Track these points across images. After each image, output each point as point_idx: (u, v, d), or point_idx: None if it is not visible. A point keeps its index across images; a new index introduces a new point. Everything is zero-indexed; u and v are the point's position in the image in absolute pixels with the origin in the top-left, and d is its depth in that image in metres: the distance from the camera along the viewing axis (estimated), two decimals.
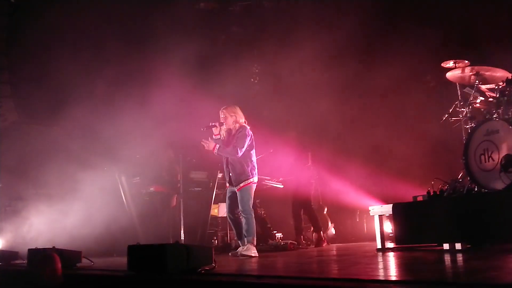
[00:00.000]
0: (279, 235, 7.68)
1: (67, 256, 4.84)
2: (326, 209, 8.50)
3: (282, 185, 8.01)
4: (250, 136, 6.01)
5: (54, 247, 5.11)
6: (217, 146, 5.89)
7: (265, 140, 8.07)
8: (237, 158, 5.90)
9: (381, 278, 2.93)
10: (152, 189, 8.02)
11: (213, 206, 8.12)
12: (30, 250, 5.51)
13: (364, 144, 8.59)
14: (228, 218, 6.26)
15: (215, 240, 8.02)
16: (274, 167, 8.05)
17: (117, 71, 8.67)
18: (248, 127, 6.08)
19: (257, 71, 11.22)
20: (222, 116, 6.07)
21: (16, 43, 9.10)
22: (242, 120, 6.09)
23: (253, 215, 5.96)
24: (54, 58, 8.55)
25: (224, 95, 8.91)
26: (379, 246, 5.56)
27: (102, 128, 8.12)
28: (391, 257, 4.73)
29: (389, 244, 5.82)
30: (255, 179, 5.99)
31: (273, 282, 2.97)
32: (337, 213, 8.70)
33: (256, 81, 11.24)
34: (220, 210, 8.19)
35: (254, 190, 6.00)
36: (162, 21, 9.09)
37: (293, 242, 7.07)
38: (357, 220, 8.84)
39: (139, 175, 8.16)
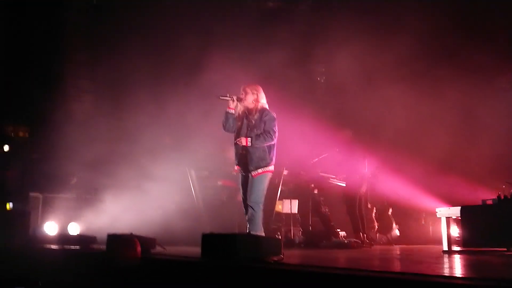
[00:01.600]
0: (342, 233, 7.75)
1: (143, 242, 5.13)
2: (390, 210, 8.47)
3: (344, 183, 8.06)
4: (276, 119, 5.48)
5: (131, 233, 5.44)
6: (249, 139, 5.32)
7: (328, 138, 8.17)
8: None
9: (449, 274, 2.99)
10: (220, 183, 8.31)
11: (277, 202, 8.29)
12: (109, 235, 5.87)
13: (432, 145, 8.47)
14: (244, 205, 5.52)
15: (279, 235, 8.19)
16: (337, 165, 8.13)
17: (186, 66, 9.02)
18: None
19: (323, 70, 11.29)
20: (242, 92, 5.54)
21: (96, 41, 9.71)
22: (263, 100, 5.56)
23: (262, 208, 5.34)
24: (128, 55, 9.04)
25: (290, 93, 9.07)
26: (445, 248, 5.55)
27: (174, 122, 8.49)
28: (457, 258, 4.73)
29: (456, 247, 5.78)
30: (272, 167, 5.48)
31: (340, 273, 3.10)
32: (402, 215, 8.65)
33: (322, 80, 11.32)
34: (284, 206, 8.35)
35: (268, 180, 5.44)
36: (230, 18, 9.35)
37: (357, 240, 7.12)
38: (423, 222, 8.74)
39: (207, 169, 8.48)
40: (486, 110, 8.12)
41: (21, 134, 9.86)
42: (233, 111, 5.51)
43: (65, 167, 9.16)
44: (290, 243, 7.64)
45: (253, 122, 5.40)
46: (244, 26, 9.29)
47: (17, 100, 9.98)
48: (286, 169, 8.26)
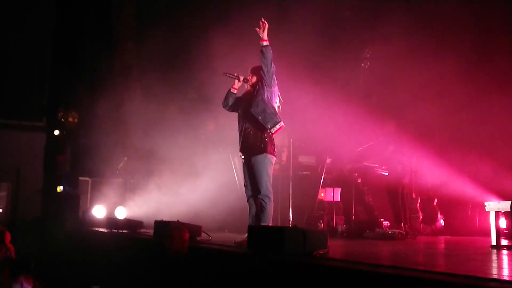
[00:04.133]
0: (386, 222, 7.67)
1: (190, 230, 5.25)
2: (435, 200, 8.33)
3: (387, 172, 7.96)
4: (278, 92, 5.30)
5: (178, 220, 5.58)
6: (268, 43, 5.06)
7: (373, 127, 8.06)
8: (263, 99, 5.15)
9: (503, 278, 2.95)
10: None
11: (320, 190, 8.27)
12: (156, 221, 6.04)
13: (478, 134, 8.23)
14: (247, 195, 5.35)
15: (321, 223, 8.18)
16: (381, 154, 8.04)
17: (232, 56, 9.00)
18: None
19: (368, 56, 11.09)
20: (249, 73, 5.39)
21: (143, 28, 9.89)
22: None
23: (272, 198, 5.11)
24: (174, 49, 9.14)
25: (333, 79, 8.98)
26: (493, 243, 5.43)
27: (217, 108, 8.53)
28: (506, 255, 4.64)
29: (504, 240, 5.66)
30: (281, 124, 5.19)
31: (389, 272, 3.10)
32: (447, 205, 8.48)
33: (366, 66, 11.13)
34: (327, 194, 8.33)
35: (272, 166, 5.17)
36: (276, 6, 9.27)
37: (401, 231, 7.04)
38: (469, 213, 8.55)
39: None
40: None
41: (70, 119, 10.20)
42: (235, 91, 5.39)
43: (113, 152, 9.44)
44: (332, 232, 7.61)
45: (251, 97, 5.23)
46: (290, 13, 9.20)
47: (67, 86, 10.31)
48: (329, 158, 8.22)
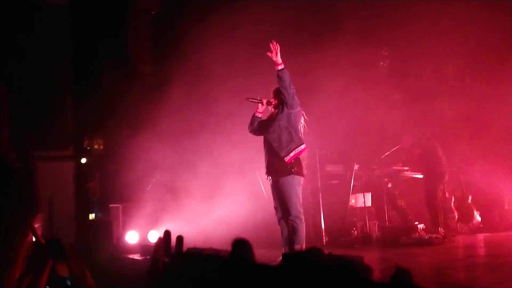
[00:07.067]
0: (421, 226, 7.51)
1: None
2: (470, 198, 8.13)
3: (421, 174, 7.80)
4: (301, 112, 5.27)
5: (211, 247, 5.54)
6: (283, 66, 5.01)
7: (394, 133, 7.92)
8: (280, 125, 5.13)
9: None
10: None
11: (350, 196, 8.15)
12: (189, 249, 6.00)
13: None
14: (277, 217, 5.34)
15: (355, 230, 8.03)
16: (409, 158, 7.91)
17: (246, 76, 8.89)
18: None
19: (386, 54, 10.91)
20: (272, 96, 5.34)
21: (158, 51, 9.92)
22: None
23: (304, 219, 5.08)
24: (189, 61, 9.12)
25: (351, 79, 8.82)
26: None
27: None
28: None
29: None
30: (304, 146, 5.14)
31: None
32: (482, 201, 8.27)
33: (385, 64, 10.96)
34: (358, 200, 8.21)
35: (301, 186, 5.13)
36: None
37: (438, 236, 6.87)
38: (506, 208, 8.32)
39: None
40: None
41: (96, 146, 10.29)
42: (260, 115, 5.38)
43: (140, 176, 9.46)
44: (367, 239, 7.47)
45: (276, 122, 5.19)
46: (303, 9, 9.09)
47: (90, 113, 10.42)
48: (357, 164, 8.11)
